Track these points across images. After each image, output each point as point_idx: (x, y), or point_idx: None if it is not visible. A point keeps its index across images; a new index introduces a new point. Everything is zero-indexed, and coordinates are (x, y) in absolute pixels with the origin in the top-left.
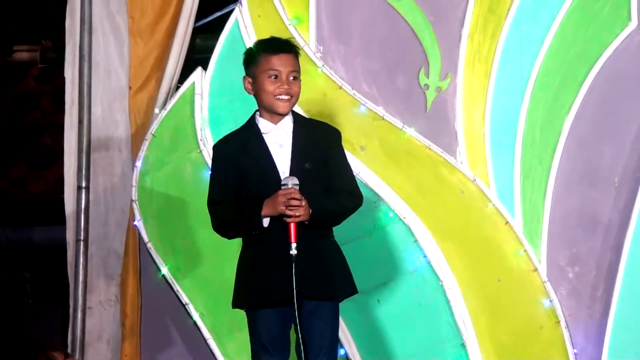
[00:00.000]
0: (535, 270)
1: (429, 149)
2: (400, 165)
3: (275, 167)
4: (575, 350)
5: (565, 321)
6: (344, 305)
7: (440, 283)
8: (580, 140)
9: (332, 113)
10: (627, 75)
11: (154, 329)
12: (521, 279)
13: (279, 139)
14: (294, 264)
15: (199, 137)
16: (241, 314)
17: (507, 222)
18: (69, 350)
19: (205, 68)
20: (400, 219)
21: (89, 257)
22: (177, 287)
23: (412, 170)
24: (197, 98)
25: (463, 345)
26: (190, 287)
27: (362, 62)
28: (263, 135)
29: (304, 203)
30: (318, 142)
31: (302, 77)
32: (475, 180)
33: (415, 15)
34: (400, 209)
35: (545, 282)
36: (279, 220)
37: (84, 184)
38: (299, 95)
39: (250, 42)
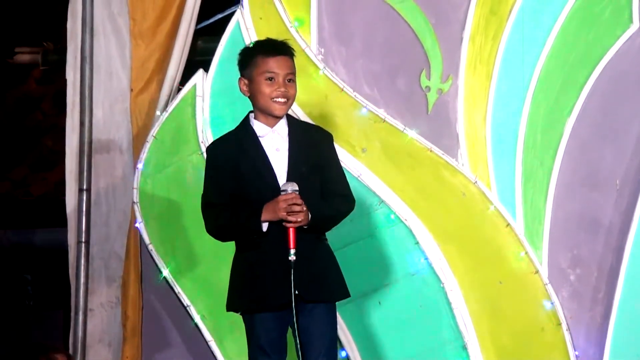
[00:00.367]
0: (537, 272)
1: (430, 151)
2: (402, 167)
3: (273, 171)
4: (576, 353)
5: (567, 323)
6: (346, 308)
7: (441, 285)
8: (582, 143)
9: (333, 115)
10: (629, 78)
11: (155, 331)
12: (522, 281)
13: (275, 143)
14: (292, 270)
15: (200, 139)
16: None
17: (508, 224)
18: (70, 352)
19: (206, 70)
20: (402, 221)
21: (90, 259)
22: (178, 289)
23: (414, 173)
24: (198, 100)
25: (464, 347)
26: (191, 289)
27: (363, 64)
28: (259, 138)
29: (304, 208)
30: (313, 145)
31: (303, 79)
32: (476, 182)
33: (416, 17)
34: (401, 211)
35: (546, 284)
36: (276, 225)
37: (85, 186)
38: (294, 98)
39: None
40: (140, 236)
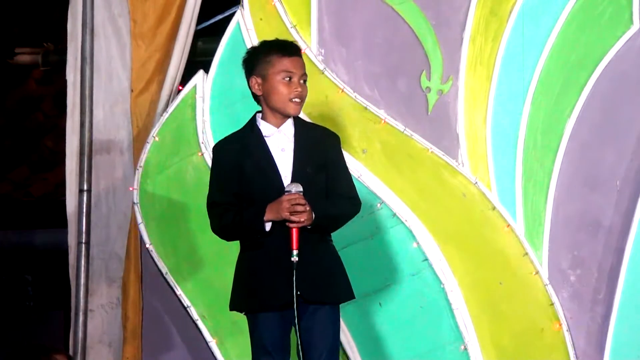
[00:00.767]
0: (537, 273)
1: (431, 152)
2: (402, 168)
3: (277, 171)
4: (577, 353)
5: (567, 324)
6: (346, 308)
7: (441, 286)
8: (582, 143)
9: (333, 116)
10: (629, 79)
11: (155, 332)
12: (523, 281)
13: (280, 143)
14: (294, 271)
15: (201, 140)
16: (243, 317)
17: (508, 225)
18: (71, 352)
19: (206, 71)
20: (402, 222)
21: (90, 260)
22: (178, 289)
23: (414, 173)
24: (198, 101)
25: (465, 348)
26: (191, 289)
27: (363, 65)
28: (265, 138)
29: (308, 208)
30: (318, 146)
31: None
32: (476, 183)
33: (416, 18)
34: (401, 211)
35: (546, 285)
36: (280, 225)
37: (85, 187)
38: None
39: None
40: (141, 237)
